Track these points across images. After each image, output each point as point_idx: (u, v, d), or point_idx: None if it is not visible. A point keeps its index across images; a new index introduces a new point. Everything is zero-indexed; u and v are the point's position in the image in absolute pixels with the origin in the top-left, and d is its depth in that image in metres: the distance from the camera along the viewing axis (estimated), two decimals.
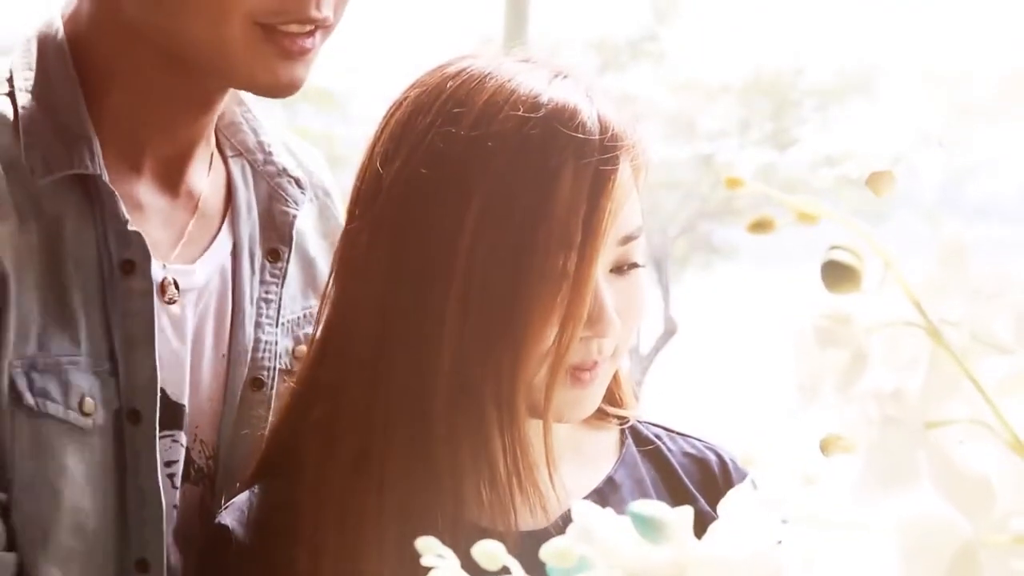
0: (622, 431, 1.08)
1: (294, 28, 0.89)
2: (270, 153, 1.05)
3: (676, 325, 6.08)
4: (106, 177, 0.90)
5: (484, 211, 0.90)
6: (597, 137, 0.92)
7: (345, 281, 0.95)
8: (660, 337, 6.17)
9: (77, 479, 0.87)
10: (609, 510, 0.55)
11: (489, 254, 0.90)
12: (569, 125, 0.91)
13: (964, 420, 0.63)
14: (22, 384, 0.86)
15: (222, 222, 1.01)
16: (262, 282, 1.00)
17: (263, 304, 1.00)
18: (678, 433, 1.11)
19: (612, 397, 1.06)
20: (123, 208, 0.91)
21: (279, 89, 0.92)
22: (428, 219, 0.91)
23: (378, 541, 0.90)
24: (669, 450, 1.08)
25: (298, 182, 1.05)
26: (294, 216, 1.03)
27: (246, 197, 1.03)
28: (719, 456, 1.08)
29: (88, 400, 0.88)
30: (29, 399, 0.86)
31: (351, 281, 0.95)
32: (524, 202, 0.91)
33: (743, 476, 0.90)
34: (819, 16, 7.47)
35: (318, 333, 0.96)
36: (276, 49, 0.90)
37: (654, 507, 0.53)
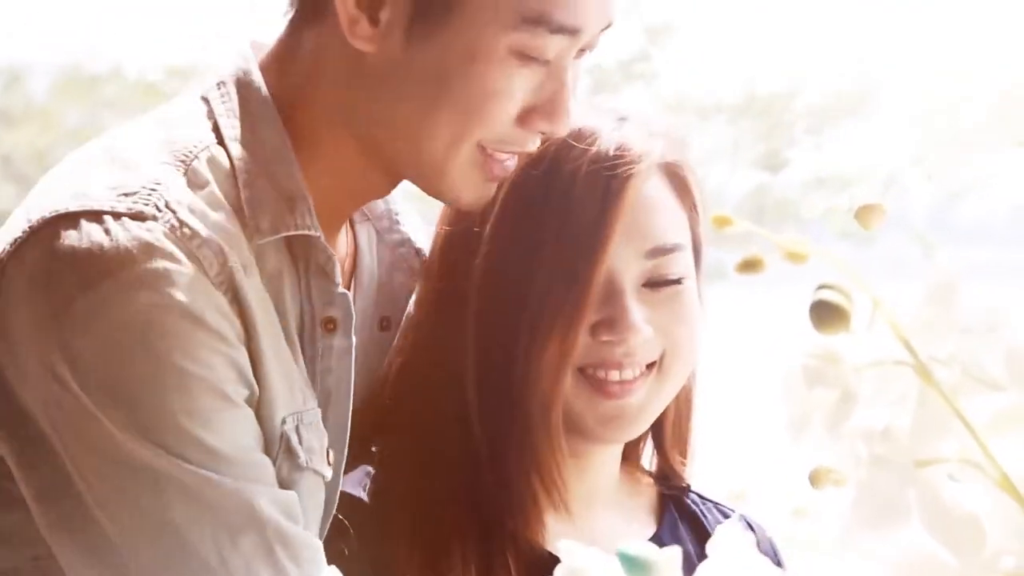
0: (662, 495, 1.08)
1: (505, 154, 0.94)
2: (396, 221, 1.07)
3: None
4: (323, 238, 0.92)
5: (503, 213, 0.98)
6: (612, 151, 0.97)
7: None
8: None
9: (312, 525, 0.92)
10: (595, 549, 0.54)
11: (503, 255, 0.98)
12: (584, 141, 0.97)
13: (954, 459, 0.63)
14: (295, 440, 0.89)
15: (348, 287, 1.00)
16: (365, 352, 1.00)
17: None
18: (711, 501, 1.10)
19: (665, 461, 1.07)
20: (338, 270, 0.94)
21: (474, 205, 0.97)
22: None
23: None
24: (705, 518, 1.08)
25: (418, 252, 1.06)
26: (412, 289, 1.04)
27: (369, 264, 1.04)
28: (750, 526, 1.05)
29: (330, 452, 0.93)
30: (301, 455, 0.90)
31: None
32: (541, 206, 0.97)
33: (769, 546, 0.97)
34: (814, 37, 7.48)
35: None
36: (486, 172, 0.93)
37: (642, 547, 0.53)
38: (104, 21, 7.97)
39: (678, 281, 0.99)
